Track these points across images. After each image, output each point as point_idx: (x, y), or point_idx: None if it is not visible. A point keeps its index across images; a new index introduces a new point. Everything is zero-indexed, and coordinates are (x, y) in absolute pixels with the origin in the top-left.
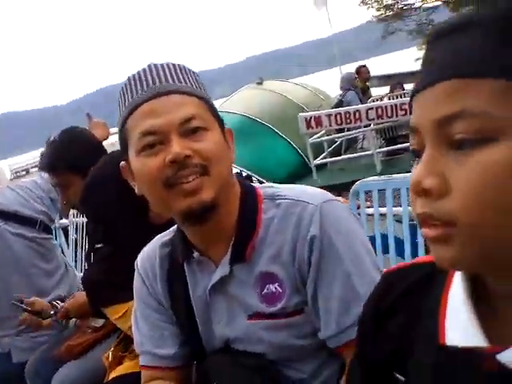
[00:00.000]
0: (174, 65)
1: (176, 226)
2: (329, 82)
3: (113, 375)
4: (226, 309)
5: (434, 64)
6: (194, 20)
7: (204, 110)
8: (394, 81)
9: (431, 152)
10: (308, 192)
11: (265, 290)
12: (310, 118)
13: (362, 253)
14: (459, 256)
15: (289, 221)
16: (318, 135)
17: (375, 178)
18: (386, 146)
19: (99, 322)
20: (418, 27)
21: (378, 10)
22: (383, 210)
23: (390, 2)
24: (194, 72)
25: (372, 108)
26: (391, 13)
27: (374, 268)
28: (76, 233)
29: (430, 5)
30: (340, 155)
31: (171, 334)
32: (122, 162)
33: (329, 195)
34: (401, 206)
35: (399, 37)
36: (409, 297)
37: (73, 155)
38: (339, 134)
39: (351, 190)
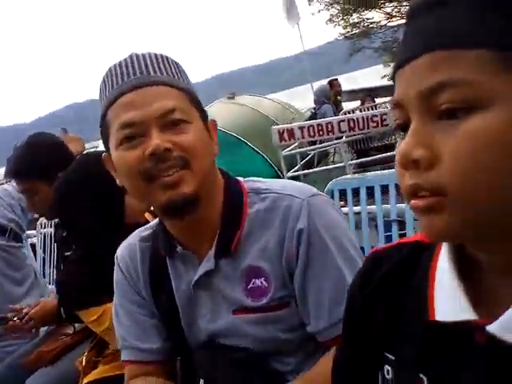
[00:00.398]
0: (156, 55)
1: (156, 220)
2: (300, 98)
3: (86, 380)
4: (211, 303)
5: (415, 38)
6: (160, 38)
7: (185, 102)
8: (364, 95)
9: (418, 124)
10: (293, 186)
11: (250, 285)
12: (283, 130)
13: (347, 244)
14: (449, 226)
15: (275, 214)
16: (291, 148)
17: (349, 176)
18: (358, 159)
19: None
20: (383, 45)
21: (345, 27)
22: (357, 208)
23: (356, 20)
24: (176, 62)
25: (344, 120)
26: (358, 31)
27: (358, 257)
28: (44, 251)
29: (395, 23)
30: (313, 168)
31: (154, 328)
32: (104, 153)
33: (314, 190)
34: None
35: (366, 54)
36: (395, 275)
37: (39, 161)
38: (312, 147)
39: (325, 190)
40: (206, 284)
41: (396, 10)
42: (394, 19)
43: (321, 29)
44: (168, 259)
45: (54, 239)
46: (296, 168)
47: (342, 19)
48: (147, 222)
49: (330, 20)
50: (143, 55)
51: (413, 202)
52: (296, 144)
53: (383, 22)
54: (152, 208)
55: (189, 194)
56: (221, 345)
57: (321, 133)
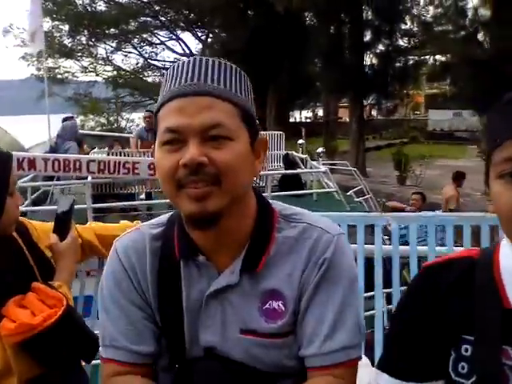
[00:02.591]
0: (219, 63)
1: (166, 217)
2: None
3: None
4: (220, 316)
5: None
6: None
7: (234, 118)
8: (113, 140)
9: None
10: (324, 220)
11: (266, 306)
12: (24, 158)
13: (355, 287)
14: None
15: (304, 243)
16: (25, 179)
17: None
18: (94, 203)
19: None
20: (75, 96)
21: (39, 69)
22: None
23: (51, 65)
24: (240, 74)
25: (94, 160)
26: (51, 75)
27: (357, 304)
28: None
29: (92, 78)
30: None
31: (149, 331)
32: (153, 144)
33: (340, 228)
34: None
35: (57, 100)
36: (461, 280)
37: None
38: (49, 182)
39: None
40: (220, 297)
41: (92, 65)
42: (89, 74)
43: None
44: (182, 263)
45: None
46: (26, 203)
47: (37, 60)
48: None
49: (24, 57)
50: (206, 61)
51: None
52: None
53: (78, 74)
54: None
55: (212, 210)
56: (224, 358)
57: (67, 169)
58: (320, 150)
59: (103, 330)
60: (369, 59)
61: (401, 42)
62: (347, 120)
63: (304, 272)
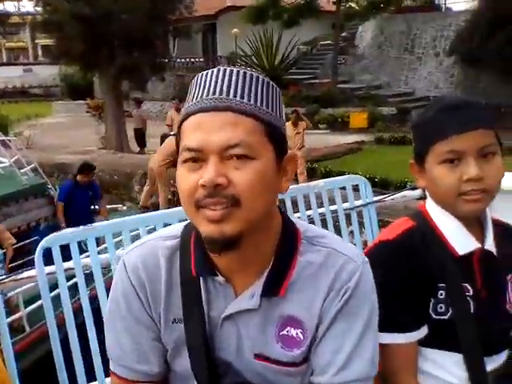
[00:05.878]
0: (245, 74)
1: (182, 227)
2: None
3: None
4: (236, 338)
5: (468, 120)
6: None
7: (257, 135)
8: None
9: (474, 160)
10: (349, 247)
11: (283, 332)
12: None
13: (376, 318)
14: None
15: (328, 271)
16: None
17: (73, 229)
18: None
19: None
20: None
21: None
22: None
23: None
24: (268, 85)
25: None
26: None
27: (376, 335)
28: None
29: None
30: None
31: (156, 351)
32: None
33: (364, 255)
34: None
35: None
36: (423, 246)
37: None
38: None
39: (38, 251)
40: (236, 319)
41: None
42: None
43: None
44: (201, 279)
45: None
46: None
47: None
48: None
49: None
50: (231, 72)
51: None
52: None
53: None
54: None
55: (230, 233)
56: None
57: None
58: None
59: (109, 345)
60: None
61: None
62: None
63: (325, 300)
